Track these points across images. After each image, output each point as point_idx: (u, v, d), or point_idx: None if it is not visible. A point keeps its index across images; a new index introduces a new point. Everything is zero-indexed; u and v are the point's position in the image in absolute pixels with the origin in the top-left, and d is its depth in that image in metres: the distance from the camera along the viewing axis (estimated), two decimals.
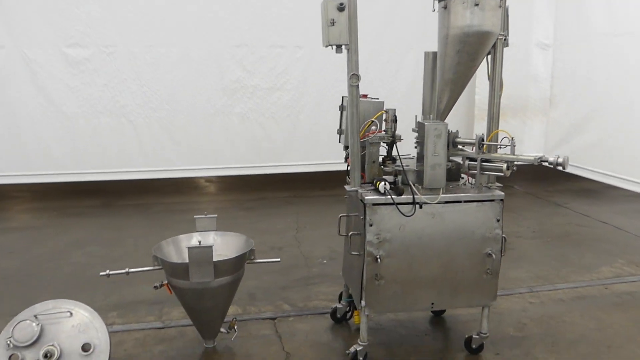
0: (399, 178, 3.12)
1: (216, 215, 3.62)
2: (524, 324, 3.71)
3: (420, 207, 3.02)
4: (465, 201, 3.07)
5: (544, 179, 8.15)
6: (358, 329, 3.63)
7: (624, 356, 3.30)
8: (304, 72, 7.23)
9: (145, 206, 6.98)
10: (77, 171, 6.91)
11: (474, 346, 3.32)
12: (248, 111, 7.22)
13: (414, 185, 3.04)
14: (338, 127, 3.60)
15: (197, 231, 3.59)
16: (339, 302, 3.81)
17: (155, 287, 3.27)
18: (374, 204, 3.01)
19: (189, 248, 2.99)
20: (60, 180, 6.93)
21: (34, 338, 3.01)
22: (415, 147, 3.23)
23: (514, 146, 2.99)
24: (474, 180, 3.22)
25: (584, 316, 3.83)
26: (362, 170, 3.20)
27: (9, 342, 2.96)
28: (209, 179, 7.63)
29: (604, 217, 6.31)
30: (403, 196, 3.00)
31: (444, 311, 3.83)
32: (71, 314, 3.15)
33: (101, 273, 3.31)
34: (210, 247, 3.02)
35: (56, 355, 2.99)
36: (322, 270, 4.77)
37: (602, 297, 4.14)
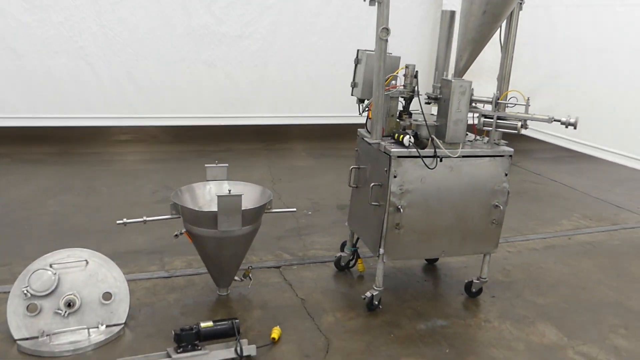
0: (417, 132, 3.25)
1: (227, 165, 3.59)
2: (509, 270, 4.07)
3: (440, 160, 3.19)
4: (480, 156, 3.28)
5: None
6: (361, 276, 3.84)
7: (598, 296, 3.74)
8: (274, 21, 7.07)
9: (108, 154, 6.67)
10: (30, 115, 6.44)
11: (473, 290, 3.62)
12: (215, 59, 7.00)
13: (435, 139, 3.19)
14: (351, 80, 3.62)
15: (207, 180, 3.55)
16: (341, 251, 3.96)
17: (176, 236, 3.24)
18: (398, 157, 3.13)
19: (219, 196, 2.98)
20: (10, 125, 6.43)
21: (53, 287, 2.92)
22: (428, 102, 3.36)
23: (529, 105, 3.21)
24: (478, 137, 3.42)
25: (557, 263, 4.25)
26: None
27: (26, 291, 2.84)
28: (172, 129, 7.38)
29: (553, 175, 6.88)
30: (425, 150, 3.15)
31: (437, 259, 4.11)
32: (87, 262, 3.07)
33: (118, 221, 3.21)
34: (240, 195, 3.02)
35: (77, 304, 2.93)
36: (310, 221, 4.88)
37: (568, 247, 4.60)
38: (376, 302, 3.37)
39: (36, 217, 4.58)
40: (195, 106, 7.06)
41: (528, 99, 3.21)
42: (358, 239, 3.82)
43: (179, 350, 2.67)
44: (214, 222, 3.06)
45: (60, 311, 2.93)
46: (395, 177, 3.15)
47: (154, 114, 6.91)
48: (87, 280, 3.05)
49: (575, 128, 3.11)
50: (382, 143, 3.23)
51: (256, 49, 7.13)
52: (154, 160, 6.50)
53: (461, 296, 3.65)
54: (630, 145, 6.08)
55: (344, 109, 7.64)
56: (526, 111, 3.21)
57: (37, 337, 2.87)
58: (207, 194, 3.51)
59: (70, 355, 2.79)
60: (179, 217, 3.28)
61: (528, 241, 4.67)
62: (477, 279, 3.60)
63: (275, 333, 3.01)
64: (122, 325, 3.02)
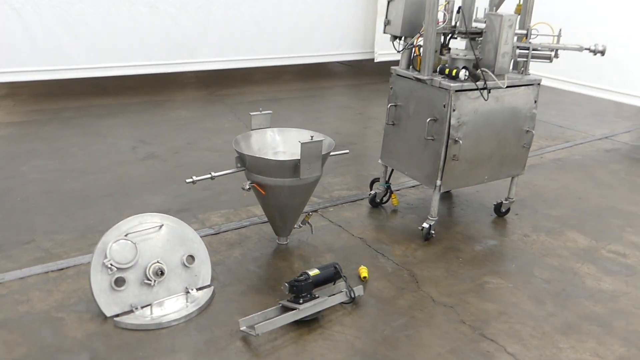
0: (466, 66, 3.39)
1: (271, 112, 3.46)
2: (515, 191, 4.49)
3: (489, 92, 3.38)
4: (519, 85, 3.52)
5: None
6: (394, 210, 4.01)
7: (594, 203, 4.31)
8: None
9: (51, 111, 5.90)
10: None
11: (503, 210, 3.97)
12: (157, 0, 6.39)
13: (487, 71, 3.35)
14: (384, 18, 3.61)
15: (252, 129, 3.40)
16: (370, 189, 4.07)
17: (245, 189, 3.09)
18: (457, 91, 3.26)
19: (302, 143, 2.89)
20: None
21: (137, 257, 2.71)
22: None
23: (560, 36, 3.48)
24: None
25: (545, 179, 4.77)
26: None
27: (110, 265, 2.61)
28: (115, 79, 6.69)
29: None
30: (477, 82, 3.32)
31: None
32: (161, 227, 2.86)
33: (187, 180, 2.99)
34: (322, 141, 2.97)
35: (165, 271, 2.75)
36: None
37: (544, 165, 5.16)
38: (433, 232, 3.58)
39: (20, 187, 4.03)
40: (138, 53, 6.45)
41: (560, 30, 3.47)
42: (390, 175, 3.95)
43: (300, 301, 2.65)
44: (293, 171, 2.99)
45: (149, 281, 2.73)
46: (454, 110, 3.29)
47: (93, 64, 6.22)
48: (165, 245, 2.85)
49: (603, 54, 3.45)
50: (436, 79, 3.33)
51: None
52: (110, 114, 5.90)
53: (490, 217, 3.99)
54: (549, 66, 6.83)
55: (289, 50, 7.54)
56: (557, 41, 3.49)
57: (131, 311, 2.66)
58: (255, 144, 3.37)
59: (179, 324, 2.64)
60: (244, 169, 3.13)
61: None
62: (506, 200, 3.95)
63: (364, 272, 3.10)
64: (212, 287, 2.90)
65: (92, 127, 5.44)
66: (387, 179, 3.97)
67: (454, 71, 3.30)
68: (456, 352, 2.54)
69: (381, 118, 6.33)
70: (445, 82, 3.27)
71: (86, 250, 3.21)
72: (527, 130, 3.69)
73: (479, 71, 3.32)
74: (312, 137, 2.97)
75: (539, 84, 3.64)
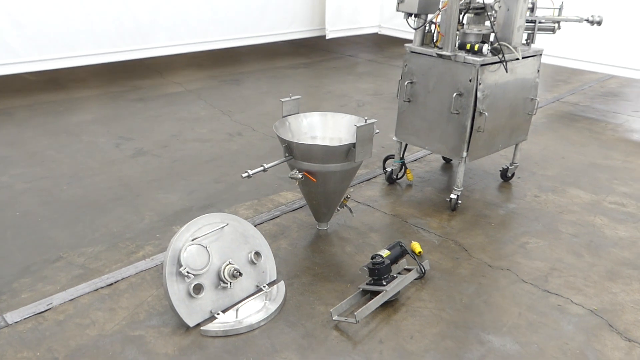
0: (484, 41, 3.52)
1: (300, 96, 3.38)
2: (505, 155, 4.76)
3: (506, 63, 3.54)
4: (528, 56, 3.72)
5: (378, 49, 9.31)
6: (410, 185, 4.12)
7: (578, 161, 4.69)
8: None
9: (3, 112, 5.28)
10: None
11: (509, 175, 4.22)
12: None
13: (505, 45, 3.49)
14: None
15: (284, 116, 3.31)
16: (384, 167, 4.14)
17: (295, 179, 3.02)
18: (482, 65, 3.39)
19: (358, 127, 2.86)
20: None
21: (210, 262, 2.60)
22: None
23: (562, 9, 3.71)
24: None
25: (527, 143, 5.08)
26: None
27: (187, 272, 2.48)
28: (62, 71, 6.11)
29: None
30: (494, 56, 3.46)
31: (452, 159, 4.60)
32: (224, 227, 2.75)
33: (243, 175, 2.86)
34: (374, 123, 2.96)
35: (238, 272, 2.66)
36: None
37: None
38: (460, 201, 3.73)
39: (13, 200, 3.62)
40: (88, 41, 5.94)
41: (562, 3, 3.69)
42: (404, 150, 4.04)
43: (384, 283, 2.68)
44: (345, 155, 2.97)
45: (225, 284, 2.62)
46: (480, 84, 3.42)
47: (40, 56, 5.64)
48: (231, 244, 2.74)
49: (599, 25, 3.73)
50: (460, 54, 3.43)
51: None
52: (67, 110, 5.41)
53: (497, 182, 4.22)
54: None
55: (244, 30, 7.32)
56: (560, 14, 3.71)
57: (212, 317, 2.55)
58: (290, 130, 3.29)
59: (267, 323, 2.57)
60: (291, 158, 3.06)
61: None
62: (511, 165, 4.19)
63: (418, 247, 3.18)
64: (282, 281, 2.84)
65: (58, 126, 4.97)
66: (401, 155, 4.06)
67: (476, 46, 3.42)
68: (534, 310, 2.72)
69: (351, 95, 6.40)
70: (471, 57, 3.38)
71: (127, 262, 3.00)
72: (532, 99, 3.92)
73: (497, 45, 3.47)
74: (365, 119, 2.95)
75: (541, 54, 3.87)
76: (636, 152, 4.94)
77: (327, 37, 8.03)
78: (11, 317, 2.53)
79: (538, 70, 3.89)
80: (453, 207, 3.72)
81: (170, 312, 2.57)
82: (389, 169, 4.09)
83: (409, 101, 3.82)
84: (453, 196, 3.70)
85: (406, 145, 4.03)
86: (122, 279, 2.85)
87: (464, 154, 3.58)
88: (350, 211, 3.45)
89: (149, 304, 2.66)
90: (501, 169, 4.24)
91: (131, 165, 4.26)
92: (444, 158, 4.62)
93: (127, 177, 4.05)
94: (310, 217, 3.52)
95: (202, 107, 5.71)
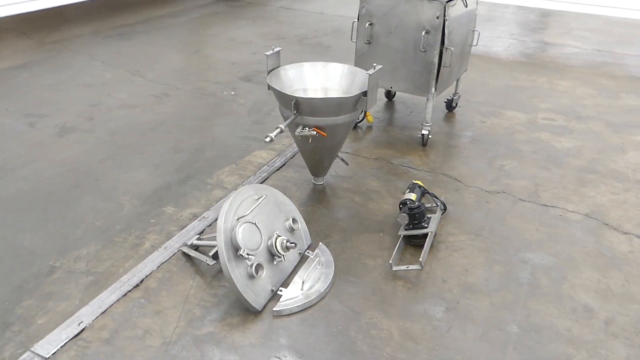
0: None
1: (280, 48, 3.14)
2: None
3: None
4: None
5: None
6: (370, 127, 4.18)
7: (493, 84, 5.13)
8: None
9: None
10: None
11: (454, 105, 4.47)
12: None
13: None
14: None
15: (269, 70, 3.06)
16: None
17: (305, 137, 2.85)
18: (447, 2, 3.46)
19: (370, 74, 2.76)
20: None
21: (262, 238, 2.43)
22: None
23: None
24: None
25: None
26: None
27: (247, 254, 2.30)
28: None
29: (337, 12, 7.77)
30: None
31: (394, 95, 4.70)
32: (261, 198, 2.56)
33: (266, 139, 2.60)
34: (381, 67, 2.88)
35: (291, 243, 2.53)
36: (253, 104, 4.57)
37: None
38: (430, 136, 3.88)
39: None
40: None
41: None
42: None
43: (425, 225, 2.73)
44: (354, 105, 2.87)
45: (280, 257, 2.44)
46: (446, 20, 3.50)
47: None
48: (270, 215, 2.54)
49: None
50: None
51: None
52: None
53: (443, 113, 4.46)
54: None
55: None
56: None
57: (275, 295, 2.38)
58: (283, 84, 3.06)
59: (332, 288, 2.47)
60: (298, 115, 2.87)
61: None
62: (454, 95, 4.44)
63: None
64: (320, 243, 2.73)
65: None
66: None
67: None
68: (545, 223, 3.01)
69: (257, 42, 6.07)
70: None
71: (137, 257, 2.62)
72: (473, 30, 4.14)
73: None
74: (375, 66, 2.85)
75: None
76: (534, 71, 5.55)
77: None
78: (44, 349, 2.08)
79: (477, 3, 4.10)
80: (425, 143, 3.86)
81: (226, 300, 2.36)
82: None
83: (368, 43, 3.77)
84: (425, 132, 3.83)
85: None
86: (146, 276, 2.49)
87: (432, 90, 3.69)
88: (345, 162, 3.40)
89: (196, 297, 2.39)
90: (446, 100, 4.47)
91: (65, 145, 3.61)
92: (386, 96, 4.71)
93: (70, 159, 3.44)
94: (301, 174, 3.40)
95: (104, 69, 4.98)
